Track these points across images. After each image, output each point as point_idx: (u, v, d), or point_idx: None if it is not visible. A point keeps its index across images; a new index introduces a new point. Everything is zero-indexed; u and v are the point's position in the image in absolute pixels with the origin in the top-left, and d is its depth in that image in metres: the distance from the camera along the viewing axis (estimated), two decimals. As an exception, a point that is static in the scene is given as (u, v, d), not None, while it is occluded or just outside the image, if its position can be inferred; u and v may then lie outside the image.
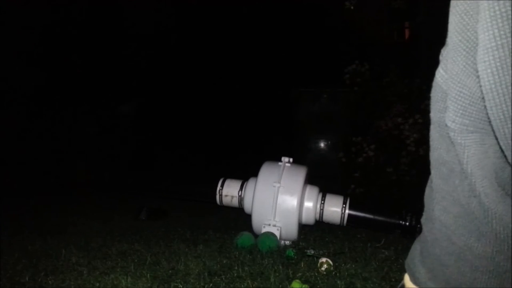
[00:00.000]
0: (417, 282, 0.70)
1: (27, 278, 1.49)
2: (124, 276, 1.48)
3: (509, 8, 0.42)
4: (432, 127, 0.62)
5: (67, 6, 6.79)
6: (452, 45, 0.54)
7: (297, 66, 9.42)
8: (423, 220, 0.71)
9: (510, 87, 0.43)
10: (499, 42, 0.43)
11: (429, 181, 0.67)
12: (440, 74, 0.58)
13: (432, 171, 0.64)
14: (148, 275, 1.50)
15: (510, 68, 0.43)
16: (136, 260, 1.74)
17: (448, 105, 0.55)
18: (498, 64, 0.44)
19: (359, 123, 5.99)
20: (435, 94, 0.60)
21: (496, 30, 0.43)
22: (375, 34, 9.33)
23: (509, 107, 0.44)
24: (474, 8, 0.48)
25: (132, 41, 7.92)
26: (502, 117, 0.45)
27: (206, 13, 9.03)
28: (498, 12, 0.42)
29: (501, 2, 0.42)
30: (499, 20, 0.42)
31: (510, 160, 0.48)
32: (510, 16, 0.42)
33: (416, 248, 0.74)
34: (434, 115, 0.61)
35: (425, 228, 0.69)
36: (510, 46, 0.42)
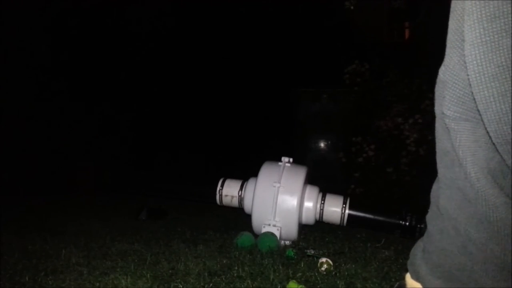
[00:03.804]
0: (419, 277, 0.73)
1: (27, 278, 1.49)
2: (124, 276, 1.48)
3: (492, 11, 0.50)
4: (436, 120, 0.69)
5: (68, 6, 6.79)
6: (450, 44, 0.62)
7: (297, 66, 9.42)
8: (428, 217, 0.74)
9: (491, 76, 0.52)
10: (483, 39, 0.52)
11: (437, 178, 0.72)
12: (441, 70, 0.66)
13: (438, 162, 0.70)
14: (148, 275, 1.50)
15: (492, 60, 0.51)
16: (136, 260, 1.73)
17: (445, 95, 0.63)
18: (482, 56, 0.52)
19: (359, 123, 5.99)
20: (438, 89, 0.68)
21: (481, 29, 0.52)
22: (375, 34, 9.33)
23: (490, 93, 0.52)
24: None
25: (133, 42, 7.92)
26: (484, 101, 0.53)
27: (206, 13, 9.03)
28: (483, 14, 0.51)
29: (486, 6, 0.51)
30: (484, 21, 0.51)
31: (493, 140, 0.55)
32: (492, 18, 0.50)
33: (419, 245, 0.77)
34: (437, 108, 0.69)
35: (430, 224, 0.73)
36: (492, 42, 0.51)
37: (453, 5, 0.60)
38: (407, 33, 10.07)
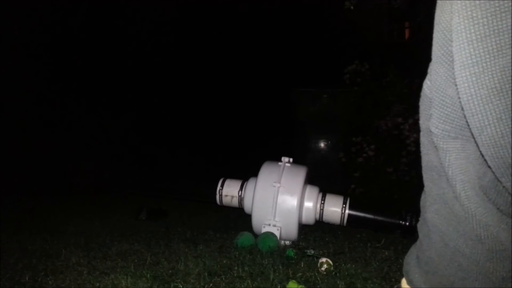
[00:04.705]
0: (413, 284, 0.72)
1: (27, 278, 1.49)
2: (124, 276, 1.48)
3: (482, 30, 0.48)
4: (421, 134, 0.67)
5: (69, 5, 6.79)
6: (435, 58, 0.59)
7: (297, 66, 9.42)
8: (419, 225, 0.73)
9: (485, 98, 0.49)
10: (474, 60, 0.49)
11: (424, 189, 0.70)
12: (427, 85, 0.64)
13: (424, 176, 0.68)
14: (148, 275, 1.50)
15: (484, 82, 0.48)
16: (136, 260, 1.73)
17: (432, 112, 0.60)
18: (474, 78, 0.49)
19: (359, 123, 5.99)
20: (423, 103, 0.66)
21: (472, 49, 0.49)
22: (375, 34, 9.33)
23: (485, 116, 0.49)
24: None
25: (133, 42, 7.92)
26: (478, 125, 0.50)
27: (206, 13, 9.03)
28: (473, 34, 0.48)
29: (475, 25, 0.48)
30: (474, 41, 0.48)
31: (489, 163, 0.52)
32: (483, 38, 0.48)
33: (412, 252, 0.76)
34: (422, 122, 0.66)
35: (420, 232, 0.72)
36: (484, 63, 0.48)
37: (437, 18, 0.57)
38: (407, 33, 10.07)
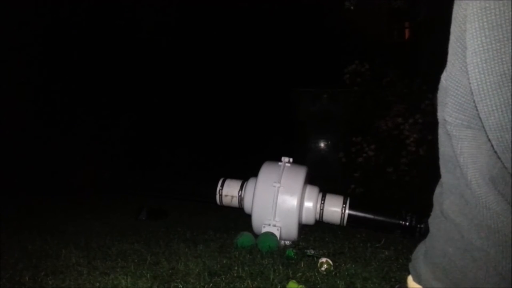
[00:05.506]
0: (421, 280, 0.72)
1: (27, 278, 1.49)
2: (124, 276, 1.48)
3: (494, 19, 0.50)
4: (439, 125, 0.70)
5: (68, 5, 6.79)
6: (452, 50, 0.62)
7: (297, 66, 9.41)
8: (431, 219, 0.74)
9: (493, 84, 0.51)
10: (485, 47, 0.51)
11: (440, 181, 0.72)
12: (444, 76, 0.66)
13: (441, 167, 0.70)
14: (148, 275, 1.50)
15: (494, 68, 0.51)
16: (136, 260, 1.73)
17: (447, 102, 0.63)
18: (484, 65, 0.52)
19: (359, 123, 5.99)
20: (440, 95, 0.68)
21: (483, 37, 0.51)
22: (375, 34, 9.33)
23: (493, 101, 0.52)
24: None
25: (133, 41, 7.92)
26: (486, 109, 0.53)
27: (207, 13, 9.03)
28: (485, 22, 0.51)
29: (488, 14, 0.51)
30: (486, 29, 0.51)
31: (495, 148, 0.55)
32: (494, 26, 0.50)
33: (421, 248, 0.77)
34: (440, 114, 0.69)
35: (433, 227, 0.73)
36: (494, 51, 0.51)
37: (454, 12, 0.60)
38: (407, 33, 10.07)
